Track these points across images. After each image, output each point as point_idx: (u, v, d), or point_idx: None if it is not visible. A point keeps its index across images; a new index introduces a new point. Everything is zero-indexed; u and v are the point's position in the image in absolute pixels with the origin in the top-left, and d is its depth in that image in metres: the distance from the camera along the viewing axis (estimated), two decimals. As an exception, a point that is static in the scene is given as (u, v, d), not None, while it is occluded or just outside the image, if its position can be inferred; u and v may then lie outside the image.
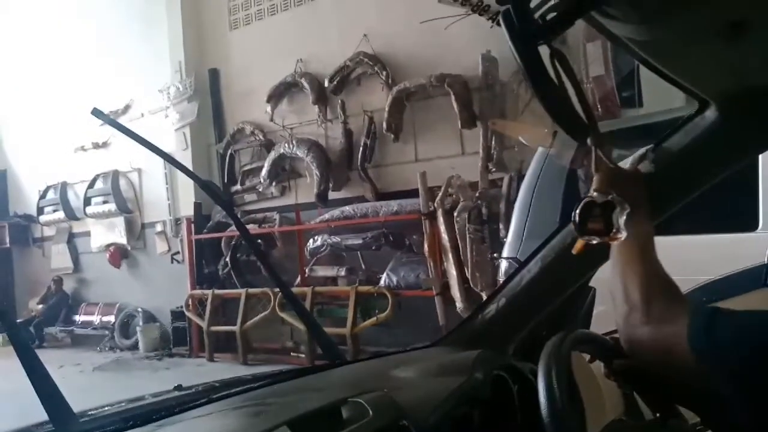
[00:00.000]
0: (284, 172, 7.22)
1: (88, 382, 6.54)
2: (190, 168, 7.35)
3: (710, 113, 1.08)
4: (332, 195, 6.69)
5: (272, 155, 7.06)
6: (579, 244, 0.85)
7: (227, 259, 7.40)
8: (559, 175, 3.10)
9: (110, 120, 1.42)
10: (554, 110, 0.59)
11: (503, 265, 3.45)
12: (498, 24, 0.58)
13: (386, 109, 6.16)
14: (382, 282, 6.04)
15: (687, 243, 2.44)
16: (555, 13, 0.57)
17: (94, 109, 1.47)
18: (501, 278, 3.52)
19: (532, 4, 0.57)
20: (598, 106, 4.62)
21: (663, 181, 1.19)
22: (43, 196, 9.99)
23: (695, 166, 1.16)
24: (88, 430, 0.94)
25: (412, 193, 5.89)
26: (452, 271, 5.46)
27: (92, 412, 1.12)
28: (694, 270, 2.39)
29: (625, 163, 0.76)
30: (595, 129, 0.62)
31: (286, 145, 6.93)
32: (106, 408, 1.16)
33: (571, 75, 0.62)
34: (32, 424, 1.04)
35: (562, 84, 0.61)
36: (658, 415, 1.05)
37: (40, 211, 10.00)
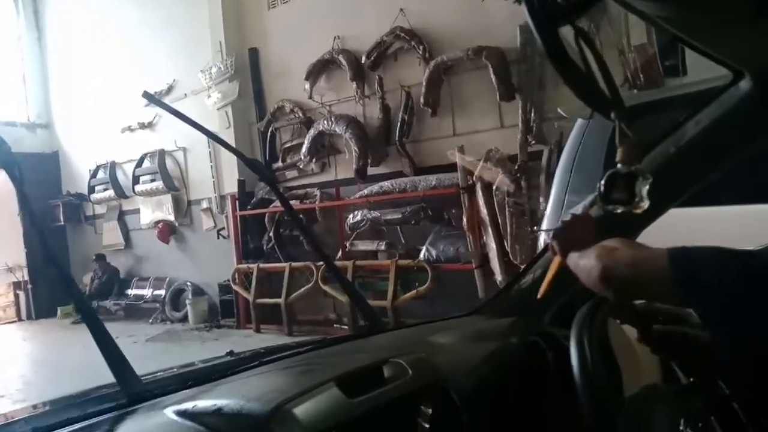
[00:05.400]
0: (324, 148, 7.30)
1: (141, 352, 6.84)
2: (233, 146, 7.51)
3: (745, 83, 1.08)
4: (371, 170, 6.74)
5: (312, 132, 7.14)
6: (543, 287, 0.91)
7: (271, 234, 7.57)
8: (599, 146, 3.06)
9: (161, 102, 1.49)
10: (578, 88, 0.63)
11: (542, 237, 3.45)
12: (520, 3, 0.62)
13: (423, 83, 6.13)
14: (421, 255, 6.09)
15: (741, 212, 2.41)
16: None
17: (145, 92, 1.55)
18: (540, 250, 3.52)
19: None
20: (641, 76, 4.51)
21: (700, 152, 1.21)
22: (93, 176, 10.33)
23: (732, 136, 1.17)
24: (150, 390, 1.02)
25: (451, 168, 5.90)
26: (491, 245, 5.47)
27: (152, 375, 1.21)
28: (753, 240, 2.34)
29: (577, 210, 0.81)
30: (619, 104, 0.65)
31: (325, 122, 6.99)
32: (167, 370, 1.26)
33: (595, 52, 0.65)
34: (100, 385, 1.14)
35: (587, 62, 0.64)
36: (692, 380, 1.07)
37: (91, 189, 10.34)
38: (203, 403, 0.81)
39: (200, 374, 1.13)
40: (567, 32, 0.68)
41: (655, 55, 4.54)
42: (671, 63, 4.39)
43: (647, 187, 0.63)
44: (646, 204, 0.63)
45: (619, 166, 0.64)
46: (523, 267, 4.54)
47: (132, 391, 0.99)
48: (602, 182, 0.65)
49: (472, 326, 1.29)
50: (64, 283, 1.20)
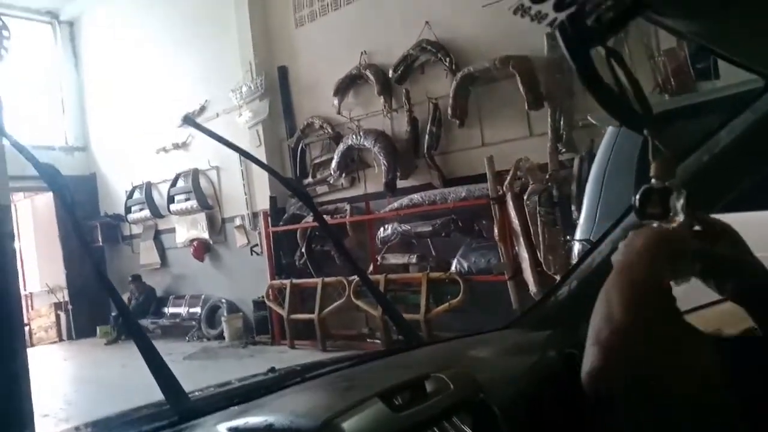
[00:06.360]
0: (353, 163, 7.37)
1: (180, 370, 6.85)
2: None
3: (779, 90, 1.08)
4: (400, 183, 6.77)
5: (341, 147, 7.22)
6: None
7: (303, 250, 7.65)
8: (631, 153, 3.04)
9: (200, 126, 1.55)
10: (611, 107, 0.64)
11: (576, 247, 3.43)
12: (553, 28, 0.64)
13: (451, 95, 6.16)
14: (453, 268, 6.08)
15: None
16: (609, 15, 0.62)
17: (185, 116, 1.61)
18: (574, 261, 3.50)
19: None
20: (672, 80, 4.45)
21: (735, 160, 1.20)
22: (129, 196, 10.59)
23: (765, 143, 1.16)
24: (200, 407, 1.05)
25: (480, 178, 5.89)
26: (524, 255, 5.43)
27: (198, 392, 1.24)
28: None
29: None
30: (651, 120, 0.67)
31: (354, 136, 7.07)
32: (211, 387, 1.29)
33: (626, 70, 0.67)
34: (149, 403, 1.18)
35: (619, 80, 0.66)
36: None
37: (128, 210, 10.59)
38: (254, 420, 0.84)
39: (245, 391, 1.15)
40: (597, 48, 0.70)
41: (686, 59, 4.48)
42: (703, 66, 4.33)
43: (682, 201, 0.64)
44: (681, 218, 0.64)
45: (653, 180, 0.66)
46: (557, 277, 4.48)
47: (182, 408, 1.01)
48: (637, 197, 0.66)
49: (509, 340, 1.30)
50: (116, 304, 1.25)
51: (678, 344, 0.62)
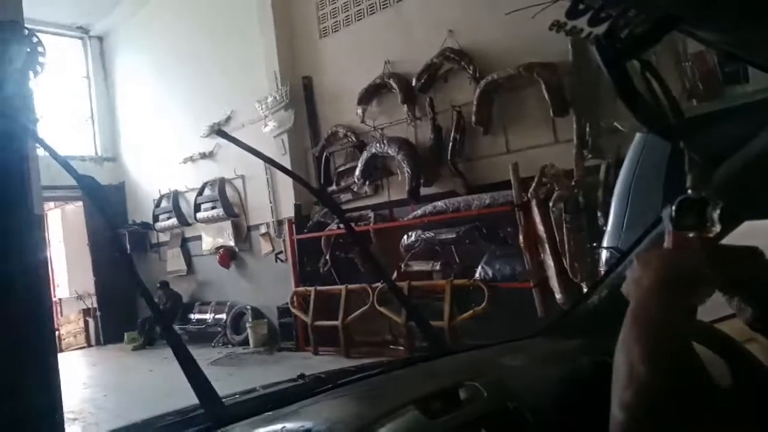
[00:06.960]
0: (377, 171, 7.38)
1: (207, 375, 7.01)
2: (289, 172, 7.69)
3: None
4: (424, 191, 6.76)
5: (365, 155, 7.25)
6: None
7: (327, 257, 7.69)
8: (660, 159, 3.00)
9: (233, 138, 1.58)
10: (647, 119, 0.65)
11: (604, 254, 3.39)
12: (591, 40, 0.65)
13: (474, 102, 6.15)
14: (477, 275, 6.05)
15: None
16: (642, 29, 0.63)
17: (218, 129, 1.64)
18: (602, 268, 3.47)
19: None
20: (699, 85, 4.39)
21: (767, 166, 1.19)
22: (157, 205, 10.77)
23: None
24: (234, 412, 1.07)
25: (505, 185, 5.86)
26: (549, 262, 5.39)
27: (232, 398, 1.26)
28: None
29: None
30: (686, 132, 0.67)
31: (378, 144, 7.09)
32: (237, 395, 1.31)
33: (661, 83, 0.67)
34: (184, 408, 1.20)
35: (654, 92, 0.66)
36: None
37: (156, 218, 10.77)
38: (290, 425, 0.86)
39: (278, 397, 1.17)
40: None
41: (714, 63, 4.41)
42: (731, 70, 4.25)
43: (718, 211, 0.64)
44: (717, 228, 0.65)
45: (689, 191, 0.66)
46: (583, 285, 4.41)
47: (216, 413, 1.03)
48: (673, 208, 0.67)
49: (540, 348, 1.30)
50: (151, 309, 1.28)
51: (702, 390, 0.61)
